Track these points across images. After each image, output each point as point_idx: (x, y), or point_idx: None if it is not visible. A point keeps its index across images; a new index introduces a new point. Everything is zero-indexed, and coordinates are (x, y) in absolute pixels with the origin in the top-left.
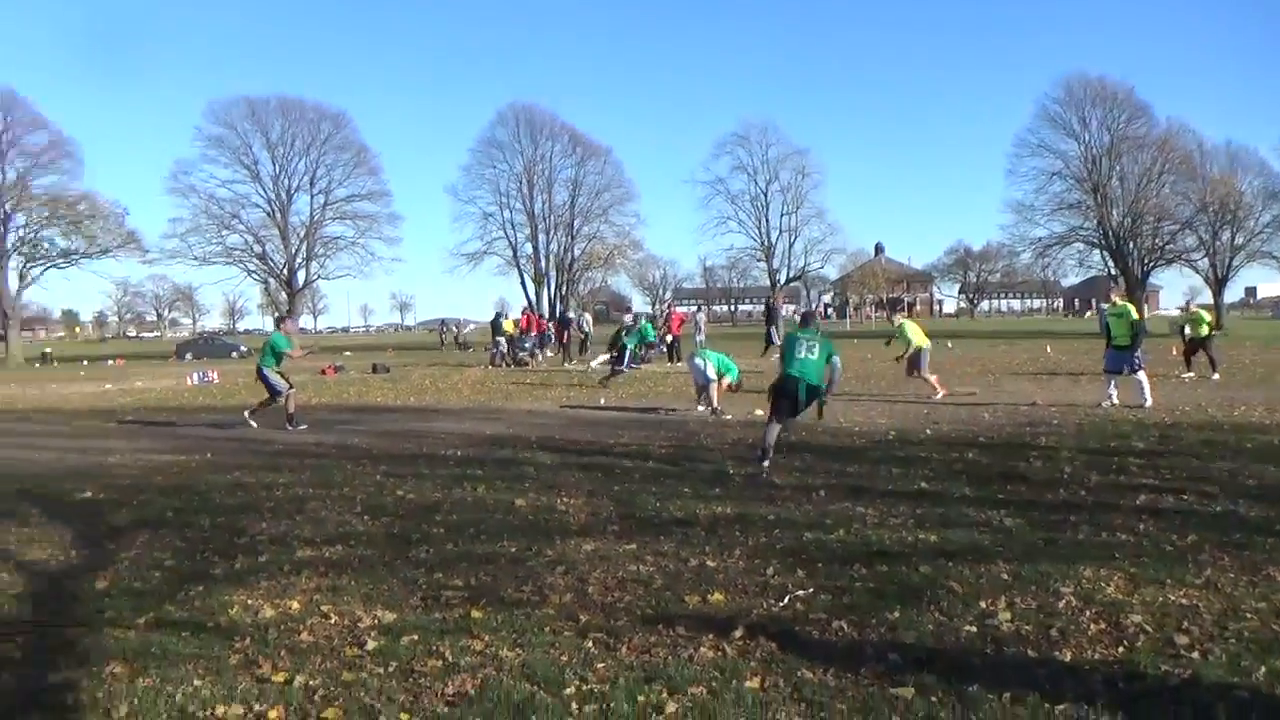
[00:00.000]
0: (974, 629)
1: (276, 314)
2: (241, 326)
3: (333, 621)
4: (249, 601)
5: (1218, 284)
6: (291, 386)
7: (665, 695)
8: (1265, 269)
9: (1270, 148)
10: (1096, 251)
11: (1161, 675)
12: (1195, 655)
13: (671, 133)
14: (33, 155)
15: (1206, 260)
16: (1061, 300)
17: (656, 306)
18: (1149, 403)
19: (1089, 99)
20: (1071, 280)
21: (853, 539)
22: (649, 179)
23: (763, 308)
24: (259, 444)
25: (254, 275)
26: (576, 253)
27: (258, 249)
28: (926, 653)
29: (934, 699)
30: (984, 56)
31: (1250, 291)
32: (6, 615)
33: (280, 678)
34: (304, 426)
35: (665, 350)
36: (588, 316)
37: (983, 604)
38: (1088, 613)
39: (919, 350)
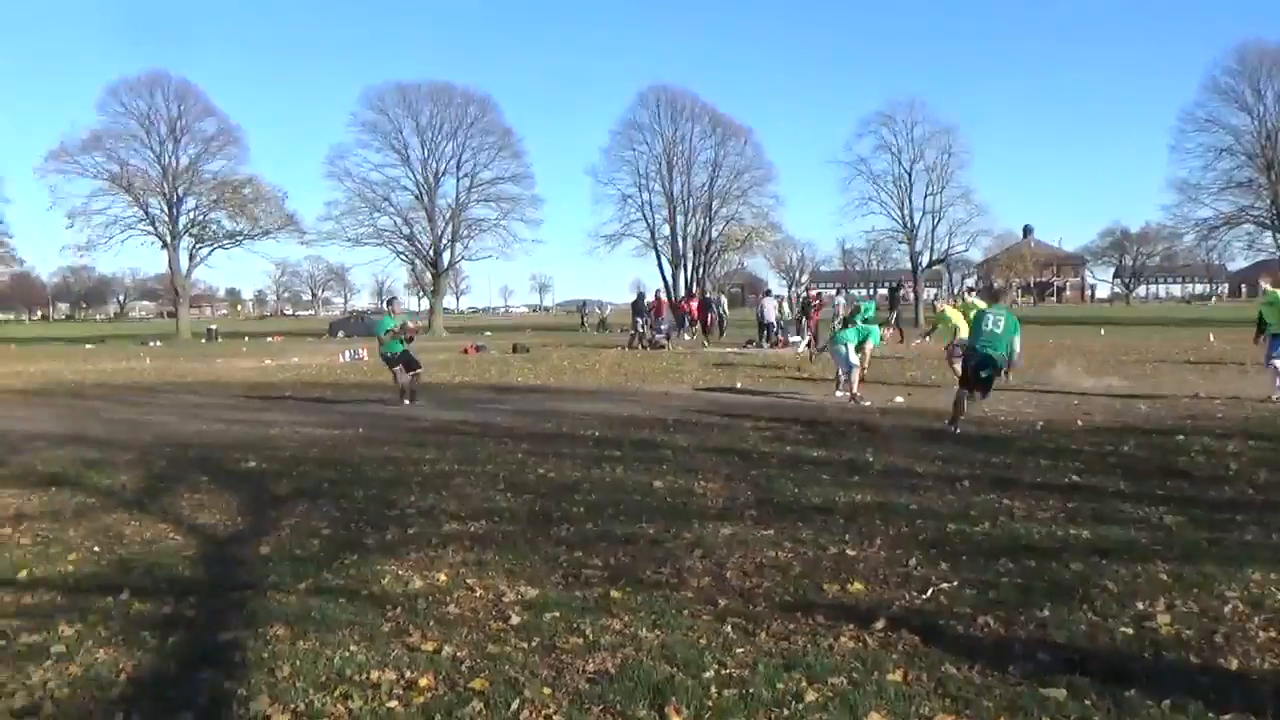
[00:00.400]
0: (1130, 631)
1: (389, 297)
2: None
3: (478, 595)
4: (399, 572)
5: None
6: (417, 368)
7: (805, 684)
8: None
9: None
10: (1268, 233)
11: None
12: None
13: (813, 113)
14: (203, 142)
15: None
16: (1227, 285)
17: (793, 289)
18: (1277, 395)
19: (1265, 68)
20: (1240, 264)
21: (999, 532)
22: (788, 160)
23: (887, 290)
24: (408, 421)
25: (401, 256)
26: (714, 234)
27: (405, 230)
28: (1079, 653)
29: (1088, 702)
30: (1143, 29)
31: None
32: (180, 576)
33: (430, 647)
34: (420, 403)
35: (800, 333)
36: (724, 299)
37: (1140, 605)
38: (1256, 619)
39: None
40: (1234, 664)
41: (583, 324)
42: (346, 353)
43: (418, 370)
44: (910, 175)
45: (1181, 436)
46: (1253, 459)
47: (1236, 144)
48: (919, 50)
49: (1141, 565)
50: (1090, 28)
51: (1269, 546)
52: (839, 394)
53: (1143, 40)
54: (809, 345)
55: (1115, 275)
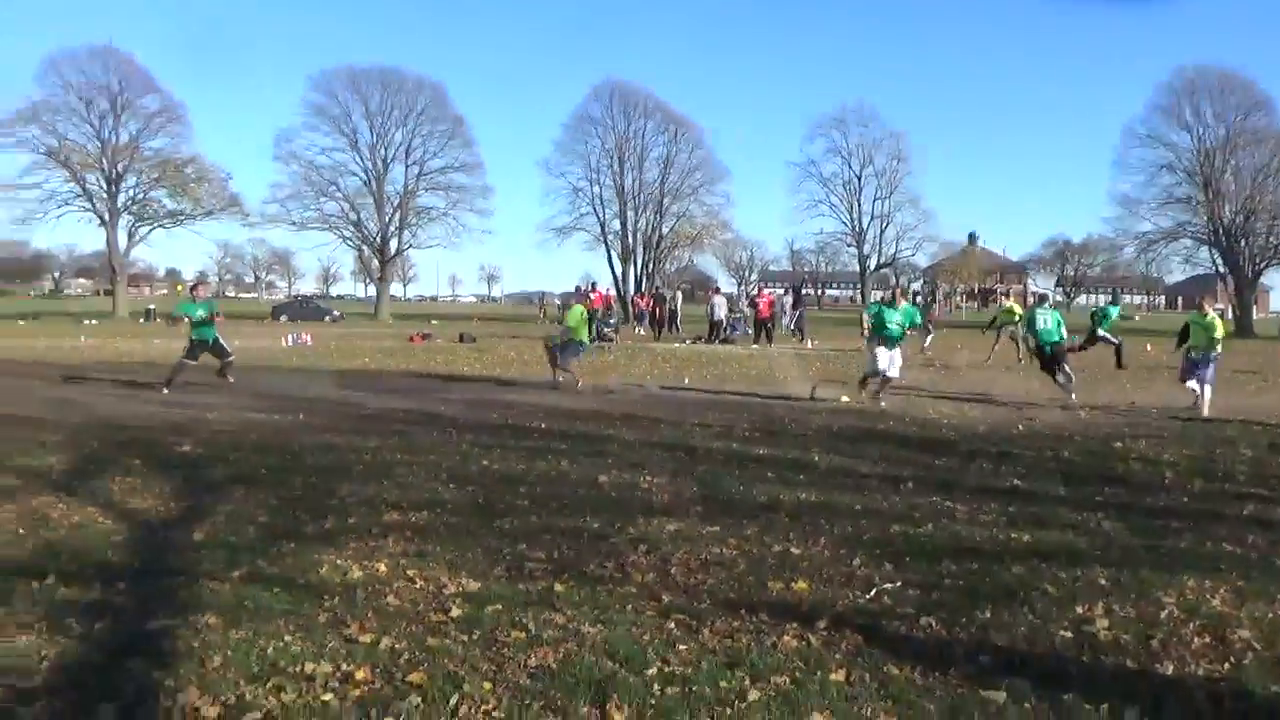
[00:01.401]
0: (1069, 634)
1: (194, 281)
2: (335, 291)
3: (418, 586)
4: (338, 561)
5: None
6: (228, 357)
7: (748, 682)
8: None
9: None
10: (1204, 249)
11: (1272, 695)
12: None
13: (763, 116)
14: (145, 118)
15: None
16: (1164, 298)
17: (742, 287)
18: (1205, 413)
19: (1205, 90)
20: (1177, 277)
21: (942, 534)
22: (740, 161)
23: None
24: (350, 407)
25: (348, 241)
26: (665, 230)
27: (353, 216)
28: (1019, 656)
29: (1027, 705)
30: (1091, 45)
31: None
32: (109, 561)
33: (367, 639)
34: (166, 392)
35: (753, 331)
36: (679, 295)
37: (1079, 609)
38: (1191, 625)
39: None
40: (1170, 669)
41: (542, 315)
42: (290, 336)
43: (229, 360)
44: (860, 179)
45: (1119, 444)
46: (1187, 468)
47: (1177, 161)
48: (872, 57)
49: (1080, 570)
50: (1039, 42)
51: (1203, 554)
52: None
53: (1087, 57)
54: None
55: (1057, 284)
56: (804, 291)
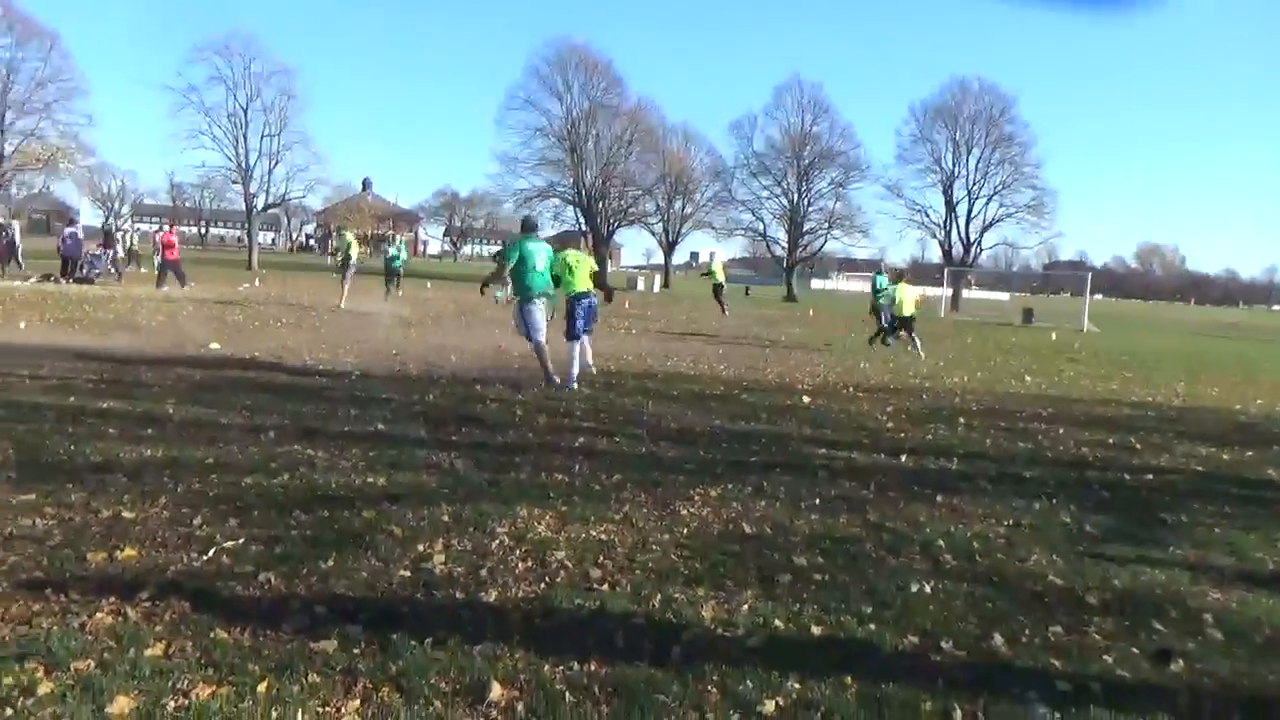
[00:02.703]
0: (408, 573)
1: None
2: None
3: None
4: None
5: (669, 246)
6: None
7: (40, 674)
8: (706, 236)
9: (720, 132)
10: (571, 208)
11: (575, 608)
12: (605, 588)
13: (145, 31)
14: None
15: (661, 225)
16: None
17: (111, 221)
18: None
19: (574, 64)
20: (549, 232)
21: (297, 483)
22: (105, 76)
23: None
24: None
25: None
26: (7, 150)
27: None
28: (355, 603)
29: (356, 650)
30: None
31: (693, 256)
32: None
33: None
34: None
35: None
36: (17, 225)
37: (420, 547)
38: (518, 551)
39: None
40: (493, 596)
41: None
42: None
43: None
44: (247, 113)
45: (479, 386)
46: (536, 407)
47: (549, 127)
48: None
49: (427, 508)
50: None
51: (538, 485)
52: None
53: (472, 19)
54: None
55: (445, 234)
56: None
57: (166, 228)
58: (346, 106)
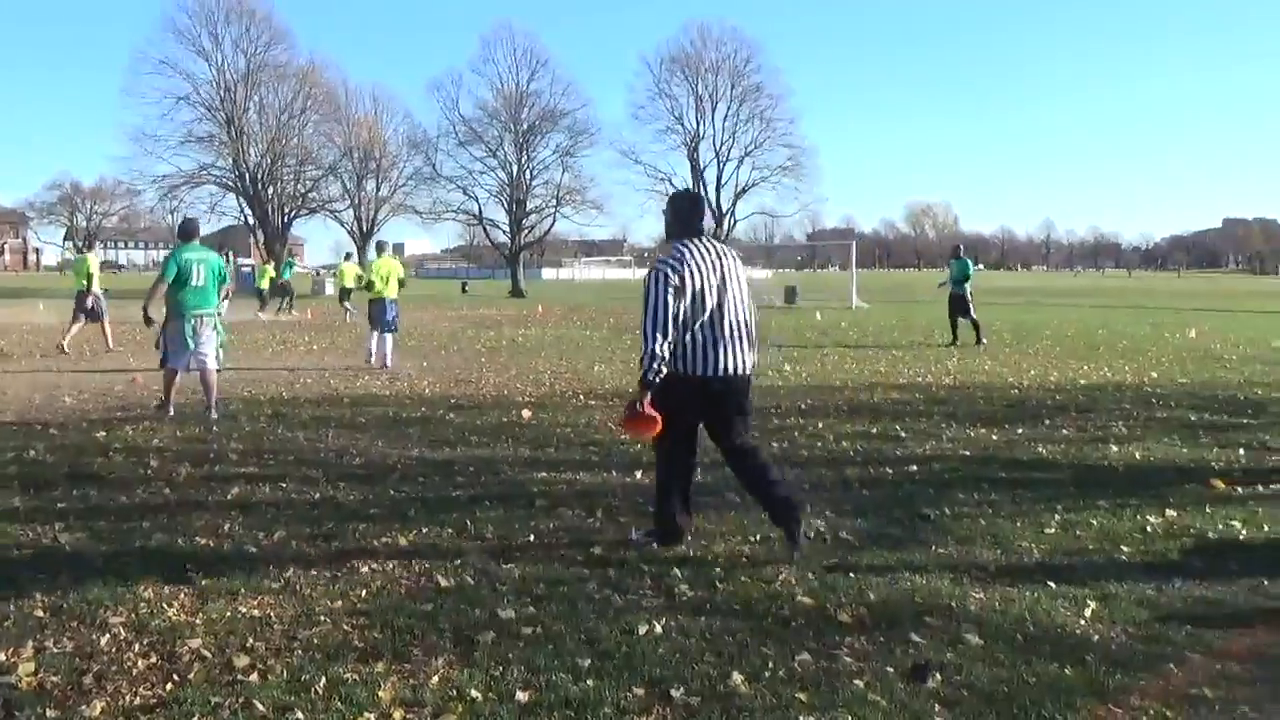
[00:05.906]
0: None
1: None
2: None
3: None
4: None
5: (364, 237)
6: None
7: None
8: (409, 223)
9: (418, 94)
10: (231, 195)
11: (209, 710)
12: (254, 678)
13: None
14: None
15: (351, 211)
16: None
17: None
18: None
19: (222, 14)
20: (210, 229)
21: None
22: None
23: None
24: None
25: None
26: None
27: None
28: None
29: None
30: None
31: (399, 248)
32: None
33: None
34: None
35: None
36: None
37: (2, 656)
38: (138, 646)
39: None
40: (98, 709)
41: None
42: None
43: None
44: None
45: (101, 433)
46: (176, 453)
47: (195, 94)
48: None
49: (15, 603)
50: None
51: (173, 556)
52: None
53: None
54: None
55: (66, 237)
56: None
57: None
58: None
